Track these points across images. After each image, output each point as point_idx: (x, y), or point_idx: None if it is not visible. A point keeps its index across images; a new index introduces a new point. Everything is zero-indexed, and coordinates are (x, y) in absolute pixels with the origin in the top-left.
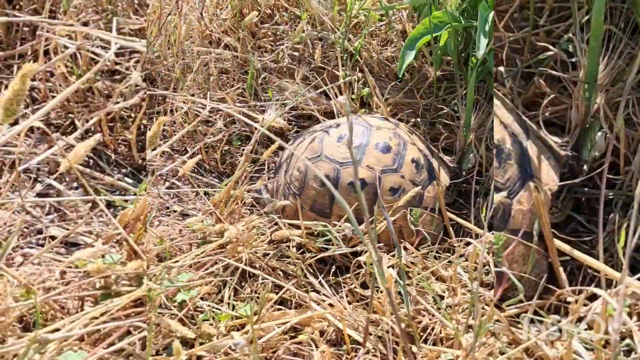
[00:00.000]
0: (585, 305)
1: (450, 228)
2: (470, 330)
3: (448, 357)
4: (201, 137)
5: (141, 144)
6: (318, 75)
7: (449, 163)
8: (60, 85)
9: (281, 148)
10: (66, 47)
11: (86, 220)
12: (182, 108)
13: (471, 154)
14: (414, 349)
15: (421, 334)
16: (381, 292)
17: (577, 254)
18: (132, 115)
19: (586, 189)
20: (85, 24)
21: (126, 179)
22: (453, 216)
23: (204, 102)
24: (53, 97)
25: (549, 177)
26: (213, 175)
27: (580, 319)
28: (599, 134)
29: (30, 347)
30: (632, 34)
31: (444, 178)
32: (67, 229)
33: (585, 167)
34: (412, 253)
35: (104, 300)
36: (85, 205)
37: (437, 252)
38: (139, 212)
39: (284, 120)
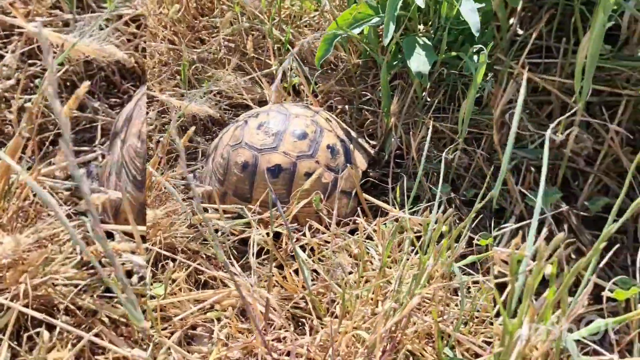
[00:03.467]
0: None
1: (367, 209)
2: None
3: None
4: None
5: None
6: (251, 66)
7: (368, 148)
8: None
9: (209, 137)
10: None
11: None
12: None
13: (392, 139)
14: (315, 322)
15: (328, 308)
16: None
17: (375, 201)
18: (15, 96)
19: (386, 169)
20: None
21: None
22: (369, 197)
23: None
24: None
25: (361, 163)
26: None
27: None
28: (393, 139)
29: None
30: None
31: (361, 162)
32: None
33: (386, 157)
34: (325, 233)
35: None
36: None
37: (350, 232)
38: None
39: (220, 109)
